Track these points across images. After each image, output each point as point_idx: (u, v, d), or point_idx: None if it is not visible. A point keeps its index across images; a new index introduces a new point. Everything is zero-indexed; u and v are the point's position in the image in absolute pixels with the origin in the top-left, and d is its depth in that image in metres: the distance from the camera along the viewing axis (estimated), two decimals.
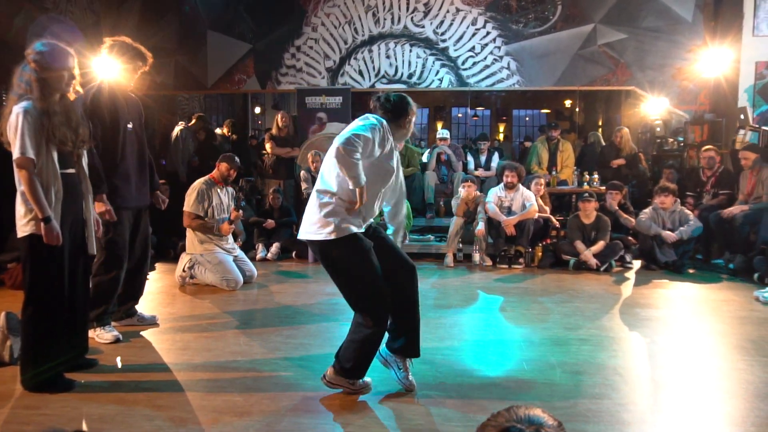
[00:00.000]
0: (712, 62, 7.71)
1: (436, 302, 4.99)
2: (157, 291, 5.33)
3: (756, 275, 5.60)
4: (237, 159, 5.64)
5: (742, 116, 7.32)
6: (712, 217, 6.41)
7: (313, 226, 2.89)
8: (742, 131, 7.10)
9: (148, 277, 5.75)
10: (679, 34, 8.07)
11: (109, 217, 3.67)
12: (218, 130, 9.46)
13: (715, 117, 7.84)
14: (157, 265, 6.42)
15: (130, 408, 2.83)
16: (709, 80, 7.96)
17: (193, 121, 8.52)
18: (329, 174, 2.92)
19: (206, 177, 5.55)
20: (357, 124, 2.93)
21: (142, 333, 4.01)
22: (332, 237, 2.82)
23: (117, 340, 3.79)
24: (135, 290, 4.12)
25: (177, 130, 8.21)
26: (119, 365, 3.43)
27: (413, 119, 3.10)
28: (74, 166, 3.12)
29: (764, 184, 6.23)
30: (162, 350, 3.71)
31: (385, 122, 2.97)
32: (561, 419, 2.77)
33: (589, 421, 2.73)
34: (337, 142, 2.81)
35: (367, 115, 3.02)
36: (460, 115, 16.11)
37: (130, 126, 3.85)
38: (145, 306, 4.56)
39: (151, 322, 4.21)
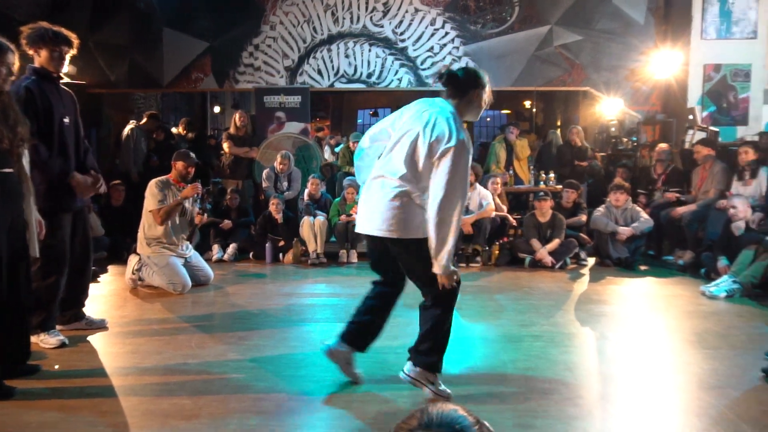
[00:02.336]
0: (663, 64, 7.92)
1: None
2: (108, 294, 5.20)
3: (703, 271, 5.77)
4: (192, 155, 5.52)
5: (691, 117, 7.53)
6: (662, 215, 6.59)
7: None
8: (691, 131, 7.32)
9: (99, 279, 5.72)
10: (631, 36, 8.26)
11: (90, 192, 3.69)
12: (174, 129, 9.27)
13: (666, 117, 8.06)
14: (110, 267, 6.27)
15: (73, 415, 2.74)
16: (661, 82, 8.18)
17: (145, 120, 8.30)
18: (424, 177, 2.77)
19: (163, 177, 5.39)
20: (440, 129, 2.71)
21: (89, 337, 3.90)
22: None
23: (62, 345, 3.66)
24: (79, 294, 3.99)
25: (128, 129, 7.99)
26: (56, 369, 3.32)
27: (487, 90, 2.89)
28: (13, 165, 3.01)
29: (714, 178, 6.43)
30: (110, 354, 3.62)
31: (454, 110, 2.80)
32: (511, 415, 2.81)
33: (538, 416, 2.76)
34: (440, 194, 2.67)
35: (434, 106, 2.82)
36: None
37: (66, 120, 3.65)
38: (95, 309, 4.44)
39: (100, 326, 4.09)
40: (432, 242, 2.71)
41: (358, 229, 3.05)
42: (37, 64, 3.58)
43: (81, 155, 3.81)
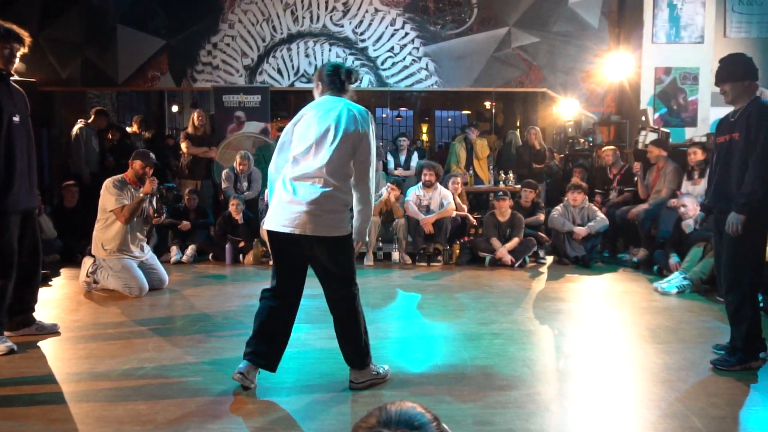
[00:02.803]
0: (617, 67, 8.13)
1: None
2: (61, 297, 5.05)
3: (655, 268, 5.95)
4: (152, 155, 5.37)
5: (643, 118, 7.75)
6: (617, 214, 6.77)
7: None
8: (643, 132, 7.53)
9: (51, 283, 5.54)
10: (586, 39, 8.45)
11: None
12: (129, 129, 9.06)
13: (620, 119, 8.28)
14: (62, 270, 6.09)
15: (21, 423, 2.65)
16: (615, 84, 8.39)
17: (92, 118, 7.96)
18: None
19: (118, 176, 5.22)
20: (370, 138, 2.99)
21: (40, 343, 3.78)
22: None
23: (11, 351, 3.54)
24: (28, 298, 3.85)
25: (76, 128, 7.69)
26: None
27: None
28: None
29: (666, 178, 6.63)
30: (62, 360, 3.51)
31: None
32: (470, 412, 2.84)
33: (497, 413, 2.80)
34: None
35: (337, 102, 3.00)
36: (384, 115, 16.23)
37: (16, 119, 3.52)
38: (46, 314, 4.31)
39: (52, 331, 3.97)
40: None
41: (278, 228, 2.93)
42: None
43: (33, 157, 3.69)
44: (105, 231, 5.07)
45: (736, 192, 3.29)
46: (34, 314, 3.95)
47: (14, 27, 3.49)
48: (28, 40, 3.54)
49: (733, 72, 3.36)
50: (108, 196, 5.05)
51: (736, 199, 3.27)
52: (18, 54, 3.54)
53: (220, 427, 2.65)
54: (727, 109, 3.56)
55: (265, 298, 3.06)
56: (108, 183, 5.11)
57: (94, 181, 7.47)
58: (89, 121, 7.89)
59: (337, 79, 3.07)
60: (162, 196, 5.49)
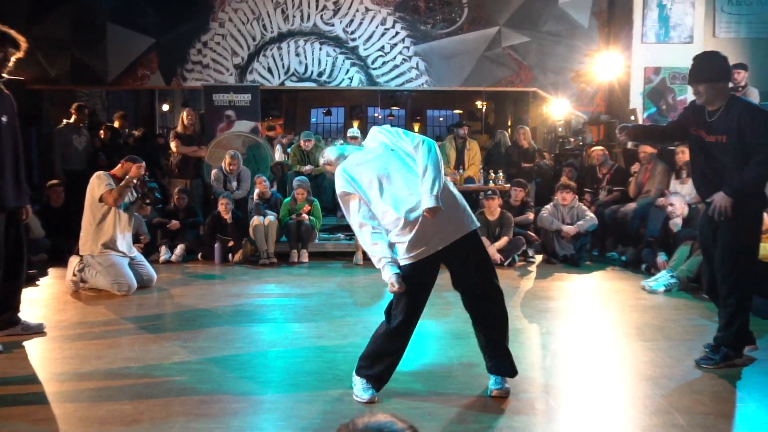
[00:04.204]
0: (606, 67, 8.16)
1: (342, 300, 4.99)
2: (48, 297, 5.02)
3: (643, 266, 5.98)
4: (144, 165, 5.37)
5: (633, 117, 7.79)
6: (606, 213, 6.79)
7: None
8: None
9: (39, 282, 5.51)
10: (576, 39, 8.48)
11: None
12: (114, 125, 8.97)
13: (609, 118, 8.31)
14: (50, 270, 6.06)
15: (4, 424, 2.63)
16: (604, 83, 8.42)
17: (74, 116, 7.73)
18: None
19: (106, 172, 5.23)
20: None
21: (25, 343, 3.75)
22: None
23: None
24: (12, 298, 3.82)
25: (57, 128, 7.59)
26: None
27: None
28: None
29: (655, 178, 6.67)
30: (47, 360, 3.49)
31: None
32: (456, 410, 2.84)
33: (482, 411, 2.80)
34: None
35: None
36: (376, 114, 16.23)
37: (4, 119, 3.52)
38: (33, 313, 4.29)
39: (38, 330, 3.94)
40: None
41: (436, 249, 2.84)
42: None
43: (20, 157, 3.67)
44: (94, 226, 5.05)
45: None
46: (20, 314, 3.92)
47: (10, 31, 3.48)
48: (24, 45, 3.52)
49: (709, 73, 3.32)
50: (97, 183, 5.06)
51: (731, 181, 3.25)
52: (12, 58, 3.52)
53: (206, 427, 2.64)
54: None
55: None
56: (98, 174, 5.16)
57: (84, 179, 7.41)
58: (71, 120, 7.75)
59: None
60: (144, 194, 5.43)
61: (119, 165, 5.29)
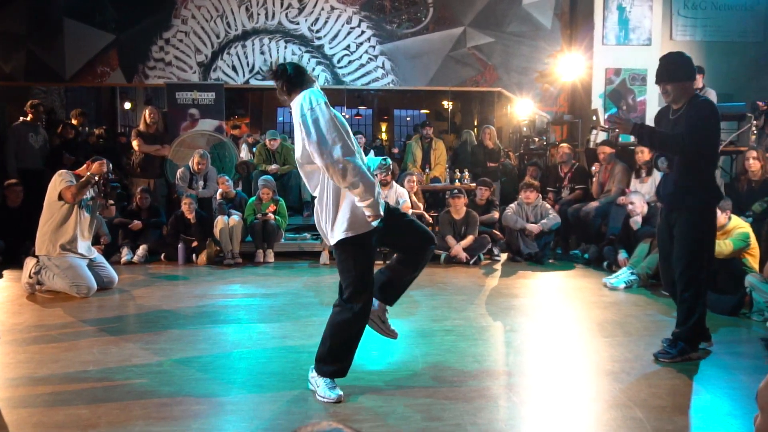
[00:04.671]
0: (569, 67, 8.30)
1: (307, 300, 4.96)
2: (2, 300, 4.87)
3: (605, 263, 6.10)
4: (110, 165, 5.27)
5: (594, 117, 7.94)
6: (569, 212, 6.91)
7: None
8: (594, 131, 7.70)
9: None
10: (540, 39, 8.61)
11: None
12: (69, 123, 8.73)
13: (572, 118, 8.45)
14: (4, 272, 5.87)
15: None
16: (567, 84, 8.56)
17: (30, 115, 7.36)
18: None
19: (69, 171, 5.12)
20: (311, 120, 2.72)
21: None
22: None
23: None
24: None
25: (13, 125, 7.32)
26: None
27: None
28: None
29: (615, 178, 6.80)
30: (1, 365, 3.38)
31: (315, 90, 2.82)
32: (420, 408, 2.85)
33: (446, 409, 2.82)
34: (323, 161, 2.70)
35: (304, 99, 2.77)
36: (343, 113, 16.16)
37: None
38: None
39: None
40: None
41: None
42: None
43: None
44: (52, 227, 4.91)
45: (677, 188, 3.40)
46: None
47: None
48: None
49: (675, 72, 3.43)
50: (59, 181, 4.93)
51: (650, 131, 3.44)
52: None
53: (166, 430, 2.59)
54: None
55: None
56: (60, 172, 5.05)
57: (40, 178, 7.19)
58: (27, 118, 7.41)
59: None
60: (108, 189, 5.30)
61: (84, 165, 5.17)
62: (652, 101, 8.11)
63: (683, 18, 8.17)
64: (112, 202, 5.41)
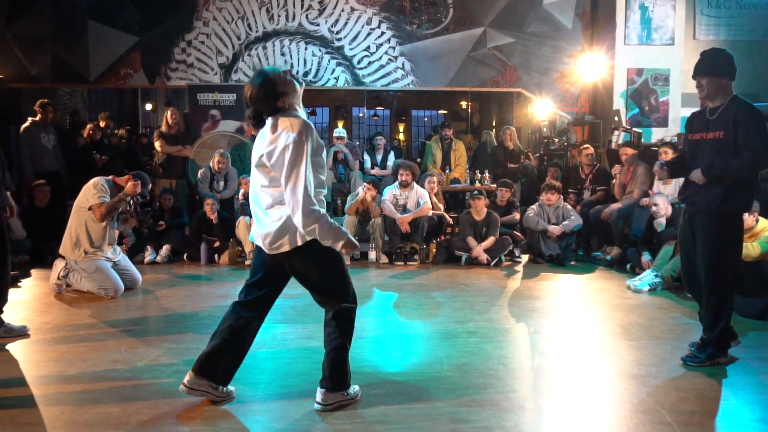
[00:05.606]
0: (590, 67, 8.24)
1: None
2: (30, 299, 4.95)
3: (628, 265, 6.05)
4: (149, 184, 5.30)
5: (616, 118, 7.87)
6: (591, 213, 6.86)
7: None
8: (616, 132, 7.64)
9: (21, 284, 5.42)
10: (561, 40, 8.55)
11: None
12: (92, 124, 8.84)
13: (594, 119, 8.40)
14: (32, 271, 5.97)
15: None
16: (588, 84, 8.50)
17: (39, 114, 7.33)
18: None
19: (108, 177, 5.13)
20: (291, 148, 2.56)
21: (9, 346, 3.69)
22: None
23: None
24: None
25: (23, 127, 7.33)
26: None
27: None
28: None
29: (638, 179, 6.74)
30: (31, 363, 3.44)
31: (301, 114, 2.67)
32: (446, 410, 2.85)
33: (472, 411, 2.81)
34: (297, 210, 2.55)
35: (292, 120, 2.61)
36: (361, 114, 16.20)
37: None
38: (16, 315, 4.23)
39: (21, 333, 3.89)
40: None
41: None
42: None
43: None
44: (80, 231, 4.94)
45: (707, 192, 3.34)
46: (2, 316, 3.86)
47: None
48: None
49: (713, 67, 3.35)
50: (92, 193, 4.93)
51: (711, 168, 3.29)
52: None
53: (195, 429, 2.62)
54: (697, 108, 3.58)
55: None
56: (95, 180, 5.03)
57: (55, 179, 7.27)
58: (36, 118, 7.37)
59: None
60: (144, 206, 5.31)
61: (126, 176, 5.14)
62: (675, 101, 8.03)
63: (707, 17, 8.08)
64: (146, 228, 5.42)
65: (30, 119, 7.47)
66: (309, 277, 2.78)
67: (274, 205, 2.69)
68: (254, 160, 2.73)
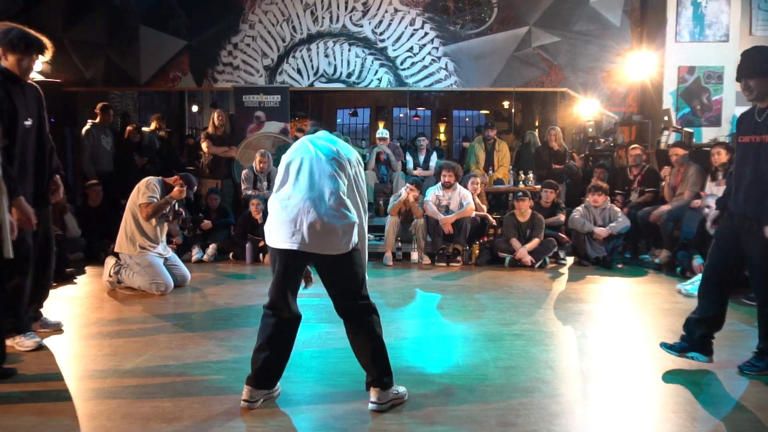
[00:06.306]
0: (639, 66, 8.05)
1: (374, 301, 4.98)
2: (85, 295, 5.12)
3: (679, 269, 5.88)
4: (195, 186, 5.47)
5: (666, 118, 7.66)
6: (639, 215, 6.69)
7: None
8: (666, 132, 7.44)
9: (76, 280, 5.63)
10: (608, 38, 8.38)
11: (28, 226, 3.38)
12: (145, 128, 9.13)
13: (642, 118, 8.20)
14: (86, 268, 6.18)
15: (50, 419, 2.70)
16: (637, 83, 8.30)
17: (99, 116, 7.74)
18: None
19: (159, 177, 5.34)
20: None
21: (66, 340, 3.84)
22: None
23: (39, 347, 3.60)
24: (38, 293, 3.87)
25: (84, 129, 7.66)
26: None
27: None
28: None
29: (688, 181, 6.55)
30: (88, 357, 3.56)
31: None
32: (494, 413, 2.83)
33: (520, 415, 2.79)
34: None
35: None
36: (401, 115, 16.23)
37: (28, 123, 3.49)
38: (72, 311, 4.40)
39: (56, 328, 4.00)
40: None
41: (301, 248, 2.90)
42: (3, 65, 3.47)
43: (45, 158, 3.67)
44: (133, 227, 5.14)
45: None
46: (42, 309, 3.99)
47: (37, 35, 3.47)
48: (49, 48, 3.51)
49: (759, 67, 3.19)
50: (143, 192, 5.14)
51: (765, 210, 3.15)
52: (37, 61, 3.55)
53: (246, 426, 2.67)
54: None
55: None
56: (147, 179, 5.24)
57: (116, 179, 7.55)
58: (96, 120, 7.75)
59: None
60: (183, 220, 5.58)
61: (174, 177, 5.33)
62: (728, 100, 7.77)
63: (764, 12, 7.79)
64: (186, 232, 5.59)
65: (90, 121, 7.77)
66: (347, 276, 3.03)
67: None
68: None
